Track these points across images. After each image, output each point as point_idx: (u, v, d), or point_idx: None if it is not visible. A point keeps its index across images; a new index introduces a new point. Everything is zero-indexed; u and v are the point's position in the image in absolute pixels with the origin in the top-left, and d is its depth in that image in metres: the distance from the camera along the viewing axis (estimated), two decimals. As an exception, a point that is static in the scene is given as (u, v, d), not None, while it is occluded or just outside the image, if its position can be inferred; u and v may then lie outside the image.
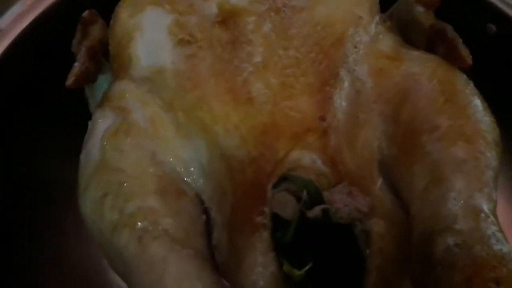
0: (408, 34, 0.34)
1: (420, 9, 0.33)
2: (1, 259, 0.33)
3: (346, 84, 0.27)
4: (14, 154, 0.35)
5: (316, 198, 0.23)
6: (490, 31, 0.40)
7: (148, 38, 0.29)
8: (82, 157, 0.26)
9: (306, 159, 0.24)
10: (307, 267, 0.22)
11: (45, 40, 0.35)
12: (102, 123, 0.26)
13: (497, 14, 0.39)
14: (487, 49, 0.39)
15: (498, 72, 0.40)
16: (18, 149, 0.35)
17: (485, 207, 0.22)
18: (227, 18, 0.28)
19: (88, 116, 0.32)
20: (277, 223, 0.23)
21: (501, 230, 0.22)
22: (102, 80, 0.33)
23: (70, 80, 0.29)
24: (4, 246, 0.34)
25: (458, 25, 0.32)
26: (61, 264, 0.36)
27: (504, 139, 0.36)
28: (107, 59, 0.33)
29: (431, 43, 0.31)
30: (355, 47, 0.28)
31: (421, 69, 0.28)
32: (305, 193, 0.22)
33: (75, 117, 0.31)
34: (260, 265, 0.22)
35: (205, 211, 0.25)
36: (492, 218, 0.22)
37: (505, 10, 0.39)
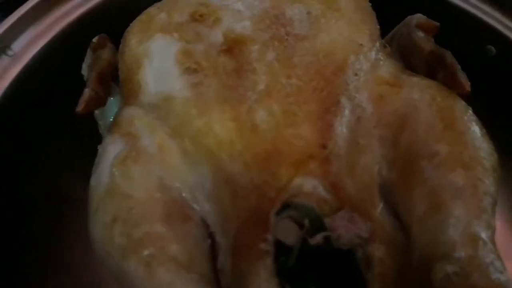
0: (408, 58, 0.35)
1: (420, 34, 0.34)
2: (7, 270, 0.34)
3: (347, 111, 0.28)
4: (26, 174, 0.36)
5: (317, 225, 0.23)
6: (489, 53, 0.41)
7: (157, 65, 0.30)
8: (93, 180, 0.27)
9: (308, 185, 0.25)
10: (309, 293, 0.23)
11: (57, 64, 0.37)
12: (111, 149, 0.27)
13: (496, 36, 0.40)
14: (486, 71, 0.40)
15: (498, 93, 0.41)
16: (30, 170, 0.37)
17: (484, 234, 0.23)
18: (232, 47, 0.29)
19: (97, 137, 0.33)
20: (280, 249, 0.23)
21: (499, 258, 0.22)
22: (112, 104, 0.34)
23: (80, 106, 0.30)
24: (10, 258, 0.34)
25: (458, 47, 0.33)
26: (65, 278, 0.37)
27: (503, 164, 0.37)
28: (117, 82, 0.34)
29: (430, 68, 0.32)
30: (356, 74, 0.29)
31: (421, 95, 0.28)
32: (307, 220, 0.23)
33: (86, 138, 0.32)
34: (264, 290, 0.22)
35: (210, 235, 0.26)
36: (490, 245, 0.23)
37: (504, 32, 0.40)
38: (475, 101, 0.32)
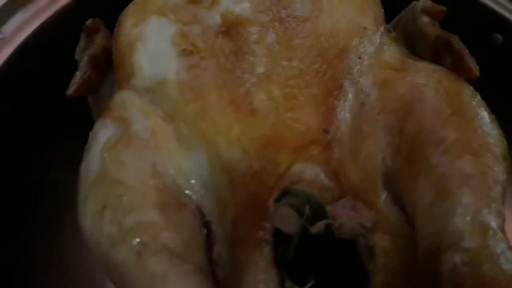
0: (413, 44, 0.34)
1: (425, 19, 0.33)
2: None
3: (350, 95, 0.27)
4: (16, 159, 0.35)
5: (319, 212, 0.22)
6: (496, 41, 0.39)
7: (151, 48, 0.28)
8: (82, 167, 0.26)
9: (309, 172, 0.24)
10: (309, 284, 0.21)
11: (48, 49, 0.35)
12: (102, 134, 0.26)
13: (503, 24, 0.39)
14: (492, 60, 0.39)
15: (505, 82, 0.39)
16: (20, 155, 0.35)
17: (493, 224, 0.22)
18: (231, 28, 0.28)
19: (89, 123, 0.32)
20: (279, 238, 0.22)
21: (510, 248, 0.21)
22: (106, 89, 0.33)
23: (71, 90, 0.28)
24: (2, 246, 0.33)
25: (462, 35, 0.32)
26: (57, 267, 0.36)
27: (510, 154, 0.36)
28: (111, 68, 0.32)
29: (437, 54, 0.31)
30: (360, 58, 0.28)
31: (427, 80, 0.27)
32: (307, 207, 0.22)
33: (77, 124, 0.31)
34: (262, 281, 0.21)
35: (206, 224, 0.25)
36: (500, 234, 0.21)
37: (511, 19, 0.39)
38: (480, 91, 0.31)
